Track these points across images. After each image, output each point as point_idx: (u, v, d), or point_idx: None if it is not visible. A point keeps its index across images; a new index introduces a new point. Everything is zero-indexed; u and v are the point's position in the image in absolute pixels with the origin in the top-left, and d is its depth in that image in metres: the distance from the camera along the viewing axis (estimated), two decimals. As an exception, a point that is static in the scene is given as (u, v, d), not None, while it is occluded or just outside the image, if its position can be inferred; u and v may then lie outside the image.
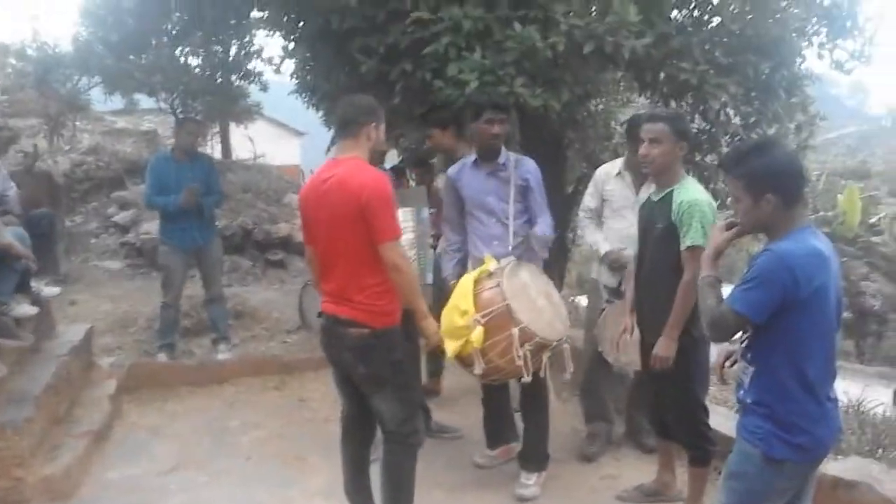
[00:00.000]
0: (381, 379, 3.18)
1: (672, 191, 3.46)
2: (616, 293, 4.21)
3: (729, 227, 2.59)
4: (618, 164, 4.40)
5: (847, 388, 5.19)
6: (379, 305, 3.14)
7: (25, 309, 4.51)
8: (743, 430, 2.52)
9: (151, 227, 8.30)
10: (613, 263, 4.27)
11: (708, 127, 6.75)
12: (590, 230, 4.46)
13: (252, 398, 5.45)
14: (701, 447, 3.53)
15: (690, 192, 3.45)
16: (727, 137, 6.70)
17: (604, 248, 4.32)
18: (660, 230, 3.46)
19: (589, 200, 4.46)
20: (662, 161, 3.46)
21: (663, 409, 3.66)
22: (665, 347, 3.40)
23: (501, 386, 4.14)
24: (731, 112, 6.63)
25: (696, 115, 6.78)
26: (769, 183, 2.39)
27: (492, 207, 4.09)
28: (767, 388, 2.44)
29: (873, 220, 12.64)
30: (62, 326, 5.47)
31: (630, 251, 3.95)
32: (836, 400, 2.54)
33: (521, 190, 4.09)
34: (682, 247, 3.37)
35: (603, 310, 4.23)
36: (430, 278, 4.38)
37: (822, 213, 14.20)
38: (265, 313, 7.11)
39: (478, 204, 4.13)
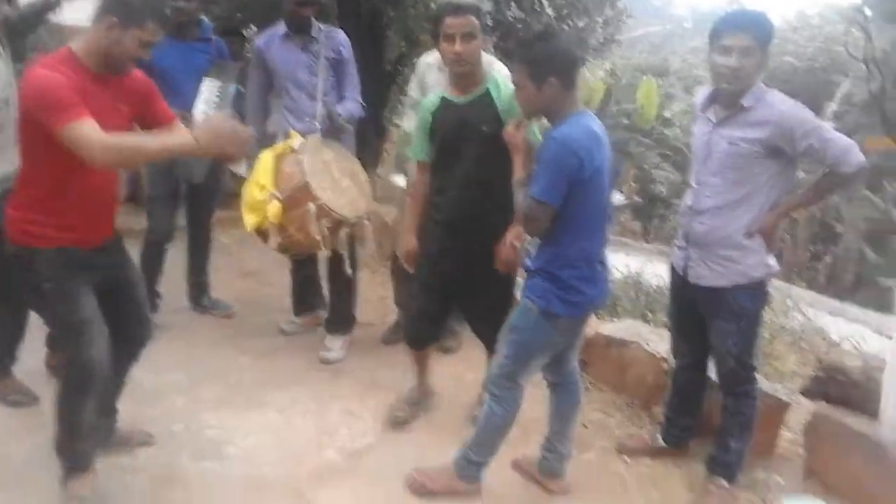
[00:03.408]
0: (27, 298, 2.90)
1: (488, 89, 3.12)
2: None
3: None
4: (438, 55, 4.19)
5: (629, 263, 5.73)
6: (22, 218, 2.63)
7: None
8: (527, 291, 2.77)
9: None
10: None
11: (522, 16, 6.96)
12: (409, 120, 4.20)
13: None
14: None
15: (510, 87, 3.03)
16: (540, 27, 6.93)
17: None
18: (487, 134, 3.04)
19: (412, 91, 4.22)
20: (476, 58, 3.13)
21: (485, 312, 3.32)
22: (513, 251, 3.10)
23: (309, 258, 4.21)
24: (545, 2, 6.89)
25: (512, 4, 6.96)
26: (552, 67, 2.57)
27: (303, 82, 4.01)
28: (552, 258, 2.70)
29: (667, 114, 13.54)
30: None
31: None
32: (605, 264, 2.84)
33: (333, 63, 4.04)
34: None
35: None
36: None
37: (623, 106, 15.01)
38: None
39: (289, 78, 4.03)
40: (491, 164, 3.02)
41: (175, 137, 2.56)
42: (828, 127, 2.75)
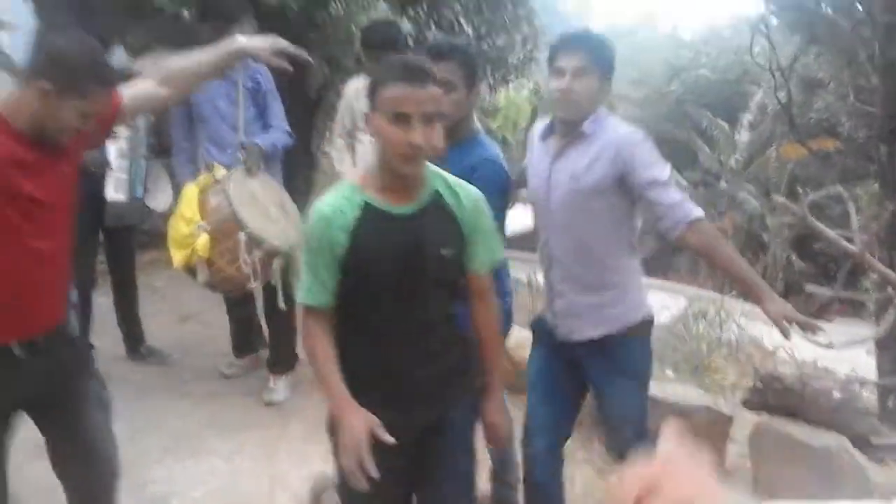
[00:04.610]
0: None
1: (437, 191, 2.04)
2: None
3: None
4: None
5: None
6: None
7: None
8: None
9: None
10: None
11: (442, 36, 7.08)
12: (338, 158, 4.23)
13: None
14: None
15: (467, 187, 2.12)
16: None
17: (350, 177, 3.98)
18: (447, 260, 2.03)
19: (343, 119, 4.16)
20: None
21: None
22: (501, 410, 2.24)
23: (246, 295, 4.04)
24: (463, 22, 7.02)
25: (432, 23, 7.05)
26: (481, 72, 2.56)
27: (223, 111, 3.93)
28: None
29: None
30: None
31: None
32: None
33: (253, 94, 3.96)
34: (480, 268, 2.14)
35: None
36: (140, 192, 4.04)
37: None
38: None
39: (208, 108, 3.93)
40: (443, 300, 2.11)
41: None
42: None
